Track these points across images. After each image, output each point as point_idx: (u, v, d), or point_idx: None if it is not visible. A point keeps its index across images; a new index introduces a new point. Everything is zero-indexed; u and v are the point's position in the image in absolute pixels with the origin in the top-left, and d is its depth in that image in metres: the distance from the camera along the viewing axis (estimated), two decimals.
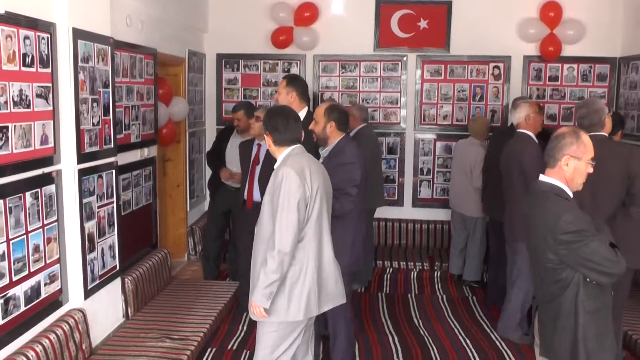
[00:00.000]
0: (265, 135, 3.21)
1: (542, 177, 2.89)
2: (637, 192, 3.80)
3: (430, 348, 4.67)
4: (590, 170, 2.84)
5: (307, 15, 6.91)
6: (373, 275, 6.30)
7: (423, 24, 7.02)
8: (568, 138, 2.82)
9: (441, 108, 7.14)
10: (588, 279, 2.71)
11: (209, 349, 4.52)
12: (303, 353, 3.35)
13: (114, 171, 4.41)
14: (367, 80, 7.16)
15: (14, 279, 3.32)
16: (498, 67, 7.00)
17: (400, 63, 7.11)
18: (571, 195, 2.84)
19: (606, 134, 4.02)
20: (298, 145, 3.19)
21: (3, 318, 3.24)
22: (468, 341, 4.81)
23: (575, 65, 6.94)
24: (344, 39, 7.03)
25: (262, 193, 4.79)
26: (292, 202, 2.95)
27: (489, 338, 4.87)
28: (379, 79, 7.16)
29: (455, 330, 5.04)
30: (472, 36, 6.92)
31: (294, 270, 3.05)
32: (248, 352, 4.48)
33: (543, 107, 6.48)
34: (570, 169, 2.80)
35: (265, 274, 2.98)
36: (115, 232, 4.46)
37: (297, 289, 3.05)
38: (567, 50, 6.82)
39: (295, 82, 4.14)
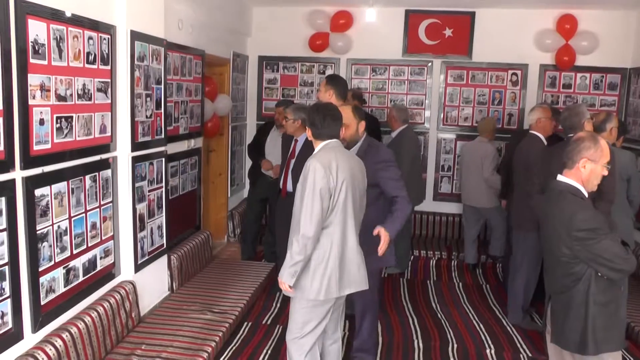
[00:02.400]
0: (307, 129, 3.21)
1: (559, 177, 2.84)
2: (605, 189, 3.75)
3: (447, 330, 4.63)
4: (606, 172, 2.78)
5: (342, 22, 6.91)
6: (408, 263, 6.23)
7: (448, 32, 6.94)
8: (587, 142, 2.76)
9: (462, 110, 7.07)
10: (599, 274, 2.67)
11: (245, 323, 4.55)
12: (332, 329, 3.36)
13: (163, 159, 4.46)
14: (395, 83, 7.12)
15: (74, 252, 3.39)
16: (516, 74, 6.90)
17: (426, 68, 7.05)
18: (586, 195, 2.79)
19: None
20: (334, 140, 3.17)
21: (65, 286, 3.32)
22: (481, 325, 4.75)
23: (587, 75, 6.79)
24: (375, 45, 7.00)
25: (294, 184, 4.83)
26: (316, 191, 2.95)
27: (500, 324, 4.80)
28: (406, 82, 7.10)
29: (470, 315, 4.99)
30: (492, 45, 6.83)
31: (317, 254, 3.05)
32: (280, 327, 4.50)
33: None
34: (587, 171, 2.75)
35: (291, 254, 3.00)
36: (164, 213, 4.52)
37: (319, 271, 3.05)
38: (581, 60, 6.69)
39: (334, 82, 4.07)
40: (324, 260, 3.05)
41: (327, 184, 2.96)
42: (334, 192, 3.00)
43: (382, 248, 3.35)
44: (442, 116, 7.11)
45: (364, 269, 3.21)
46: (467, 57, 6.95)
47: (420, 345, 4.36)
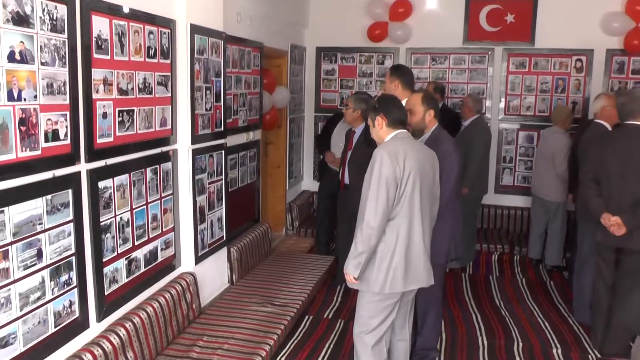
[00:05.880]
0: (376, 118, 3.08)
1: None
2: None
3: (512, 328, 4.44)
4: None
5: (401, 10, 6.73)
6: (471, 257, 6.01)
7: (510, 18, 6.66)
8: None
9: (524, 99, 6.78)
10: None
11: (306, 317, 4.49)
12: (400, 326, 3.26)
13: (223, 152, 4.46)
14: (456, 71, 6.90)
15: (136, 243, 3.43)
16: (580, 60, 6.54)
17: (487, 56, 6.80)
18: None
19: None
20: (403, 130, 3.07)
21: (127, 277, 3.36)
22: (546, 324, 4.53)
23: None
24: (435, 33, 6.79)
25: (350, 177, 4.75)
26: (382, 180, 2.85)
27: (566, 322, 4.56)
28: (466, 70, 6.87)
29: (534, 312, 4.76)
30: (556, 30, 6.50)
31: (383, 246, 2.95)
32: (342, 321, 4.43)
33: None
34: None
35: (355, 245, 2.94)
36: (223, 206, 4.52)
37: (385, 263, 2.96)
38: None
39: (399, 72, 3.93)
40: (390, 253, 2.95)
41: (393, 173, 2.86)
42: (401, 183, 2.89)
43: None
44: (503, 105, 6.85)
45: (429, 265, 3.10)
46: (529, 43, 6.64)
47: (485, 342, 4.19)
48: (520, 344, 4.16)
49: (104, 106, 3.03)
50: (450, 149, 3.44)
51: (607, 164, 3.81)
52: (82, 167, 2.89)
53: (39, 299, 2.64)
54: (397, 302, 3.08)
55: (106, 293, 3.15)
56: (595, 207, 3.88)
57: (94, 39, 2.91)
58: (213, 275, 4.42)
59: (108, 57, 3.04)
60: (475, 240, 6.11)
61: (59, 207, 2.73)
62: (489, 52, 6.79)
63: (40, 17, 2.52)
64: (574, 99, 6.64)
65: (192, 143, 3.95)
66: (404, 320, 3.26)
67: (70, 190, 2.80)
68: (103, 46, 2.99)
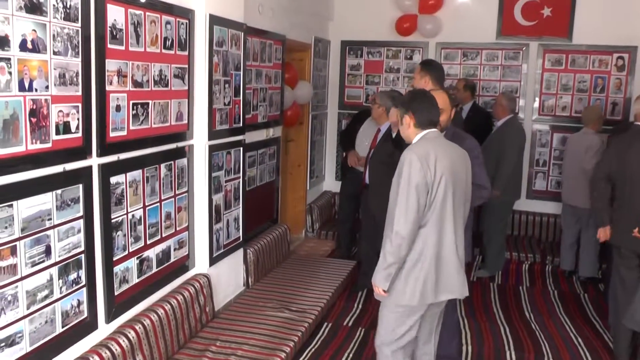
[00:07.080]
0: (404, 116, 3.01)
1: None
2: None
3: (542, 343, 4.34)
4: None
5: (431, 3, 6.63)
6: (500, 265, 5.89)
7: (546, 11, 6.53)
8: None
9: (560, 99, 6.63)
10: None
11: (325, 324, 4.45)
12: (424, 340, 3.16)
13: (241, 148, 4.44)
14: (488, 68, 6.79)
15: (148, 242, 3.42)
16: (622, 58, 6.37)
17: (521, 52, 6.68)
18: None
19: None
20: (434, 130, 2.98)
21: (138, 277, 3.35)
22: (580, 339, 4.42)
23: None
24: (466, 27, 6.69)
25: (369, 176, 4.70)
26: (412, 186, 2.76)
27: (601, 338, 4.45)
28: (499, 67, 6.76)
29: (567, 327, 4.65)
30: (596, 25, 6.35)
31: (412, 255, 2.86)
32: (363, 329, 4.37)
33: None
34: None
35: (384, 255, 2.85)
36: (240, 205, 4.51)
37: (414, 273, 2.87)
38: None
39: (429, 67, 3.86)
40: (419, 262, 2.86)
41: (423, 179, 2.77)
42: (432, 188, 2.80)
43: None
44: (537, 105, 6.72)
45: (464, 274, 2.99)
46: (566, 39, 6.50)
47: (513, 356, 4.11)
48: None
49: (118, 98, 3.02)
50: (474, 143, 3.45)
51: (627, 165, 3.72)
52: (94, 161, 2.89)
53: (46, 297, 2.64)
54: (422, 315, 3.00)
55: (116, 293, 3.15)
56: (601, 210, 3.92)
57: (108, 29, 2.90)
58: (228, 278, 4.41)
59: (123, 48, 3.03)
60: (505, 248, 6.00)
61: (69, 203, 2.73)
62: (524, 48, 6.67)
63: (54, 5, 2.52)
64: (614, 99, 6.48)
65: (209, 139, 3.93)
66: (429, 334, 3.16)
67: (80, 185, 2.80)
68: (118, 36, 2.99)
